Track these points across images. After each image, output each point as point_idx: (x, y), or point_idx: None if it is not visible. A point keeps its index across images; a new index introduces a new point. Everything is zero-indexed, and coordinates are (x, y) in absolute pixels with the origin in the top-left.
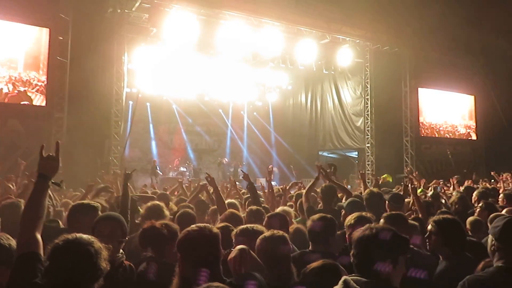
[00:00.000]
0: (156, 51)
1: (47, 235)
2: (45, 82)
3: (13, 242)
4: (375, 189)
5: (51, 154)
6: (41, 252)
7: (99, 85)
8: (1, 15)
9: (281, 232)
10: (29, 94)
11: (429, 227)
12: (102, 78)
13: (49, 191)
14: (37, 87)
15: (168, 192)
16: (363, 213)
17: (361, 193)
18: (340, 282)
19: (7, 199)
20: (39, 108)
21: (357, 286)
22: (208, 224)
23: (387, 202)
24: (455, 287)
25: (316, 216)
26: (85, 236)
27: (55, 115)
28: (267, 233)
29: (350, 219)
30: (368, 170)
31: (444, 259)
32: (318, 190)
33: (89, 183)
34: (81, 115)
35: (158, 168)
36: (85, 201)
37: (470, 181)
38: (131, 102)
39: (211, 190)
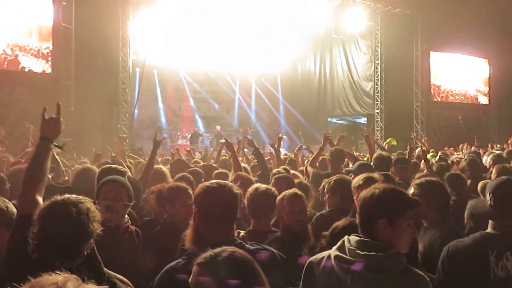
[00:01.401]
0: (162, 17)
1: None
2: (49, 49)
3: (10, 205)
4: (384, 152)
5: (53, 116)
6: None
7: (105, 52)
8: None
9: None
10: (24, 58)
11: (412, 190)
12: (108, 44)
13: (58, 157)
14: (32, 52)
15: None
16: (371, 174)
17: (368, 159)
18: (341, 240)
19: (15, 165)
20: (46, 76)
21: (350, 246)
22: (230, 183)
23: (393, 167)
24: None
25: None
26: (74, 196)
27: (63, 82)
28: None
29: (357, 180)
30: (377, 136)
31: (431, 226)
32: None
33: (97, 152)
34: (89, 82)
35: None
36: (113, 165)
37: (473, 146)
38: (138, 69)
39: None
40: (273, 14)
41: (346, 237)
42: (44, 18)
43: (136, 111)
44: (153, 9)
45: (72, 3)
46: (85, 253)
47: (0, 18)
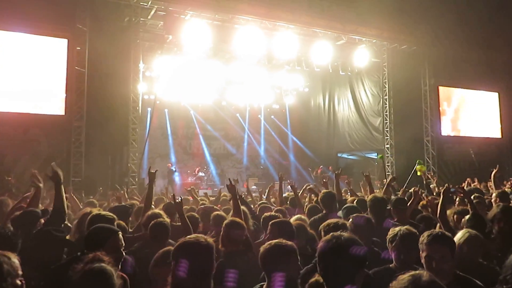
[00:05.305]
0: (172, 58)
1: None
2: (63, 91)
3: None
4: (379, 194)
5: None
6: None
7: (116, 93)
8: (20, 27)
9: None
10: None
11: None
12: (119, 86)
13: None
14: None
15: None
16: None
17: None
18: None
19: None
20: (58, 117)
21: None
22: (203, 235)
23: (392, 208)
24: None
25: None
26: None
27: (74, 123)
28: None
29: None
30: (388, 172)
31: None
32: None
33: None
34: (100, 123)
35: (175, 174)
36: (102, 212)
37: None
38: (149, 109)
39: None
40: (280, 52)
41: None
42: (58, 62)
43: (146, 149)
44: (164, 51)
45: (86, 48)
46: None
47: (18, 63)
